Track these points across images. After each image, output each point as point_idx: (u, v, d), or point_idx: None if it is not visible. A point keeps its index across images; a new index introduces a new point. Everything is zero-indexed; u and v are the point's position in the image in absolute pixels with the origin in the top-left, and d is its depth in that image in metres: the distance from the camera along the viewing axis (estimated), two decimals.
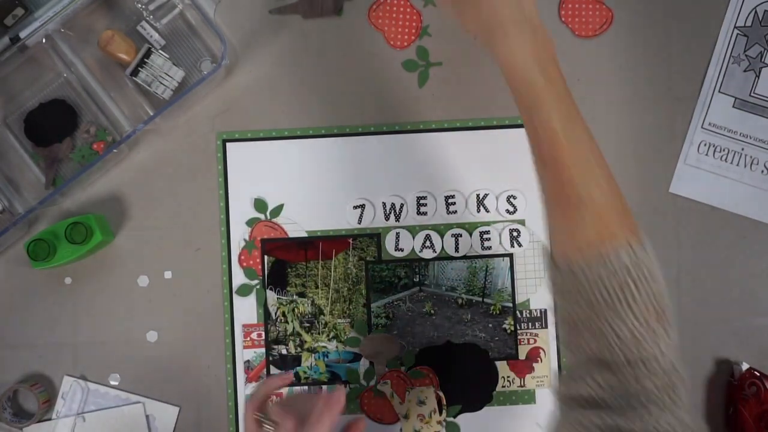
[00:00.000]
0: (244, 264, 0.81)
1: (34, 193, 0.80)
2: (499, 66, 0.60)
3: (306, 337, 0.81)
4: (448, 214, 0.82)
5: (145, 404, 0.80)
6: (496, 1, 0.60)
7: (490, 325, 0.81)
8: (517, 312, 0.81)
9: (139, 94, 0.81)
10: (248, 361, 0.81)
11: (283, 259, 0.82)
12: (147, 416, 0.80)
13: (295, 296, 0.81)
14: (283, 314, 0.81)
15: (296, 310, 0.81)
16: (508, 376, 0.81)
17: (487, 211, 0.82)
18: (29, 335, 0.81)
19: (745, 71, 0.82)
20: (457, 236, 0.81)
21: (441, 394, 0.80)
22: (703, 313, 0.81)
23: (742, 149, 0.82)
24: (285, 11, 0.83)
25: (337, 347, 0.81)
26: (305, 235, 0.82)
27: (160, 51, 0.80)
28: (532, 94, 0.58)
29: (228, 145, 0.82)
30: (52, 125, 0.81)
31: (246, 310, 0.81)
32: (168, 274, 0.81)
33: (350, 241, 0.82)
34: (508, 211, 0.82)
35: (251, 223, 0.82)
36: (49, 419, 0.80)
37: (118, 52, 0.79)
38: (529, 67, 0.58)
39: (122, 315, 0.81)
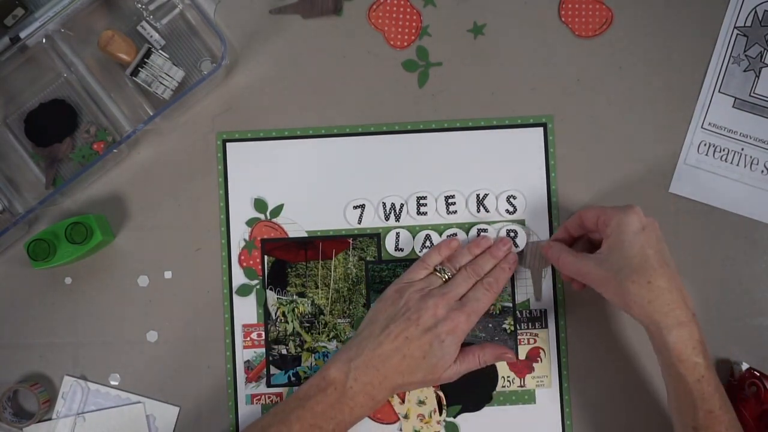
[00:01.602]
0: (244, 264, 0.81)
1: (34, 193, 0.80)
2: (663, 350, 0.68)
3: (306, 337, 0.81)
4: (448, 214, 0.82)
5: (145, 404, 0.80)
6: (665, 305, 0.67)
7: (490, 325, 0.81)
8: (517, 312, 0.81)
9: (139, 94, 0.81)
10: (248, 361, 0.81)
11: (283, 259, 0.82)
12: (147, 416, 0.80)
13: (295, 296, 0.81)
14: (283, 314, 0.81)
15: (296, 310, 0.81)
16: (508, 376, 0.81)
17: (487, 211, 0.82)
18: (29, 335, 0.81)
19: (745, 71, 0.82)
20: (456, 236, 0.81)
21: (441, 394, 0.80)
22: (703, 313, 0.81)
23: (742, 149, 0.82)
24: (285, 11, 0.83)
25: (337, 347, 0.81)
26: (305, 235, 0.82)
27: (160, 51, 0.80)
28: (697, 374, 0.67)
29: (228, 145, 0.82)
30: (52, 125, 0.81)
31: (246, 310, 0.81)
32: (168, 274, 0.81)
33: (350, 241, 0.82)
34: (508, 211, 0.82)
35: (251, 223, 0.82)
36: (49, 419, 0.80)
37: (118, 52, 0.79)
38: (695, 353, 0.67)
39: (122, 315, 0.81)
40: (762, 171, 0.82)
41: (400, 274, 0.80)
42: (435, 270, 0.77)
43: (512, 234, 0.81)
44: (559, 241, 0.78)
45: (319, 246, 0.82)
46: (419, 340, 0.71)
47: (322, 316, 0.81)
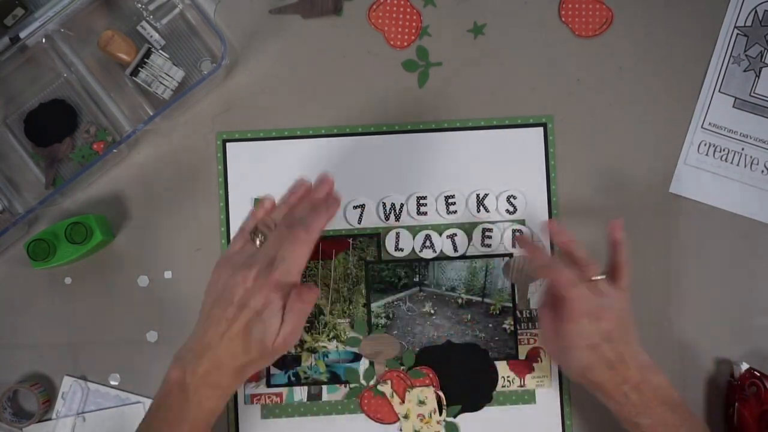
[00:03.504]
0: None
1: (34, 193, 0.80)
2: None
3: (306, 337, 0.81)
4: (448, 214, 0.82)
5: (145, 404, 0.80)
6: (601, 376, 0.70)
7: (490, 325, 0.81)
8: (517, 312, 0.81)
9: (139, 94, 0.81)
10: None
11: None
12: None
13: None
14: None
15: None
16: (508, 376, 0.81)
17: (487, 211, 0.82)
18: (29, 335, 0.81)
19: (745, 71, 0.82)
20: (455, 236, 0.81)
21: (441, 394, 0.80)
22: (703, 313, 0.81)
23: (742, 149, 0.82)
24: (285, 11, 0.83)
25: (337, 347, 0.81)
26: None
27: (160, 51, 0.80)
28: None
29: (228, 145, 0.82)
30: (52, 125, 0.81)
31: None
32: (168, 274, 0.81)
33: (350, 241, 0.82)
34: (508, 211, 0.82)
35: None
36: (49, 419, 0.80)
37: (118, 52, 0.79)
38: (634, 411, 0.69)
39: (122, 315, 0.81)
40: (762, 171, 0.82)
41: (400, 274, 0.80)
42: (250, 236, 0.69)
43: (518, 233, 0.81)
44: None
45: (319, 246, 0.82)
46: (238, 320, 0.65)
47: (322, 316, 0.81)
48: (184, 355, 0.68)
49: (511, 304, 0.81)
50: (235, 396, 0.80)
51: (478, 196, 0.82)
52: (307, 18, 0.83)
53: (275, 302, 0.65)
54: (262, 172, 0.82)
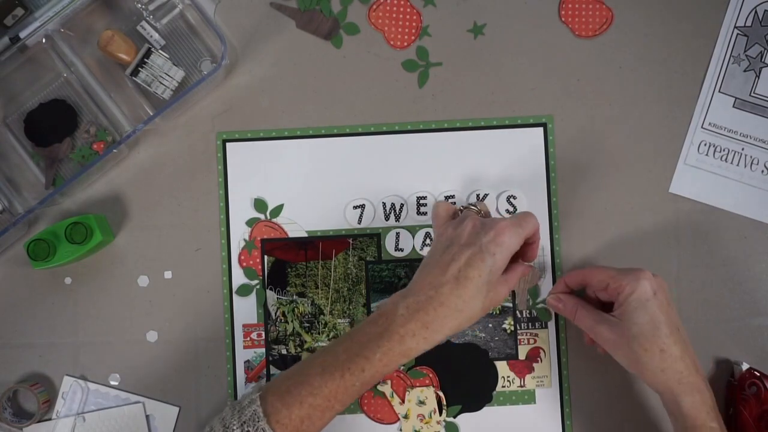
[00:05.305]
0: (244, 264, 0.82)
1: (34, 193, 0.80)
2: (678, 416, 0.69)
3: (306, 337, 0.81)
4: None
5: (145, 404, 0.80)
6: (678, 372, 0.69)
7: (490, 325, 0.81)
8: (517, 312, 0.81)
9: (139, 94, 0.81)
10: (248, 361, 0.81)
11: (283, 259, 0.82)
12: (147, 416, 0.80)
13: (295, 296, 0.82)
14: (283, 314, 0.81)
15: (296, 310, 0.81)
16: (508, 376, 0.81)
17: None
18: (29, 335, 0.81)
19: (745, 71, 0.82)
20: None
21: (441, 394, 0.80)
22: (703, 313, 0.81)
23: (742, 149, 0.82)
24: (283, 10, 0.83)
25: None
26: (305, 235, 0.82)
27: (160, 51, 0.80)
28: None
29: (228, 145, 0.82)
30: (52, 125, 0.81)
31: (246, 310, 0.81)
32: (168, 274, 0.81)
33: (350, 241, 0.82)
34: (508, 211, 0.82)
35: (251, 223, 0.82)
36: (49, 419, 0.80)
37: (118, 52, 0.79)
38: (709, 418, 0.69)
39: (122, 315, 0.81)
40: (762, 171, 0.82)
41: (400, 274, 0.80)
42: (463, 208, 0.77)
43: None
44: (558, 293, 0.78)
45: (319, 246, 0.82)
46: (465, 256, 0.68)
47: (322, 316, 0.81)
48: (404, 293, 0.70)
49: (511, 304, 0.81)
50: (235, 396, 0.80)
51: (478, 196, 0.82)
52: (300, 29, 0.82)
53: (507, 240, 0.69)
54: (262, 172, 0.82)
